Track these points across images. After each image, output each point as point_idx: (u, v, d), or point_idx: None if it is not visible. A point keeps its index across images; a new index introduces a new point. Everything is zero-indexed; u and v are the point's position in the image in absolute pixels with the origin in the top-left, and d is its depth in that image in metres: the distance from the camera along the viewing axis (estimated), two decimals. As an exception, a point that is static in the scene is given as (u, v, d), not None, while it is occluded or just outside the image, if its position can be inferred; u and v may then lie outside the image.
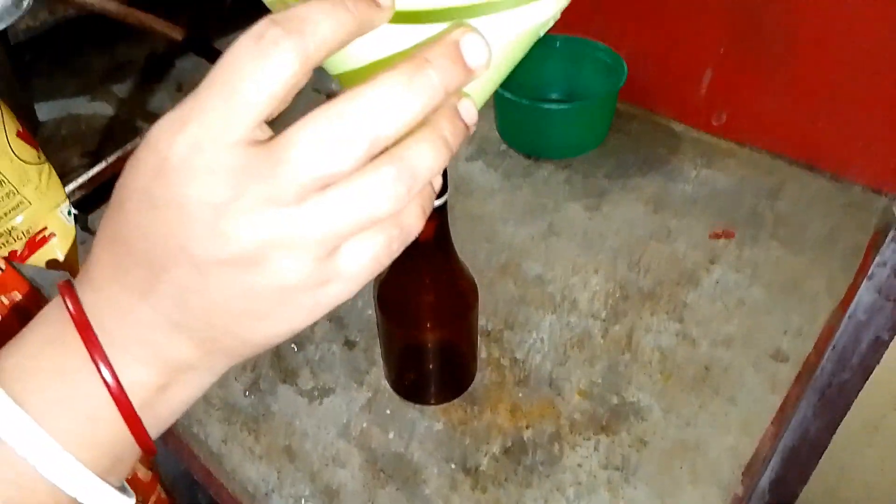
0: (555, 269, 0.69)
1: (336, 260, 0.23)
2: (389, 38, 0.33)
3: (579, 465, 0.54)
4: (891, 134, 0.70)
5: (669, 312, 0.64)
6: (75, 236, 0.59)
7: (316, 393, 0.59)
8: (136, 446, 0.27)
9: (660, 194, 0.76)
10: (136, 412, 0.26)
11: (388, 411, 0.58)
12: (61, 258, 0.58)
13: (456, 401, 0.58)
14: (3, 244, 0.56)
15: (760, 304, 0.65)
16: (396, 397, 0.59)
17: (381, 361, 0.61)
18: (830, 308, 0.64)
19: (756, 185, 0.76)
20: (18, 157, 0.53)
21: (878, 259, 0.75)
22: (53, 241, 0.57)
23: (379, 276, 0.55)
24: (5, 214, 0.54)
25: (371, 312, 0.65)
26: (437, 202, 0.47)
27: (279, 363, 0.61)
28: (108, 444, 0.26)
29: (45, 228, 0.56)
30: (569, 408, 0.57)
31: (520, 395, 0.58)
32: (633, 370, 0.60)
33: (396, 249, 0.24)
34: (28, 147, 0.55)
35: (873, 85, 0.69)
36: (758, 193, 0.76)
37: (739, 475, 0.53)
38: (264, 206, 0.21)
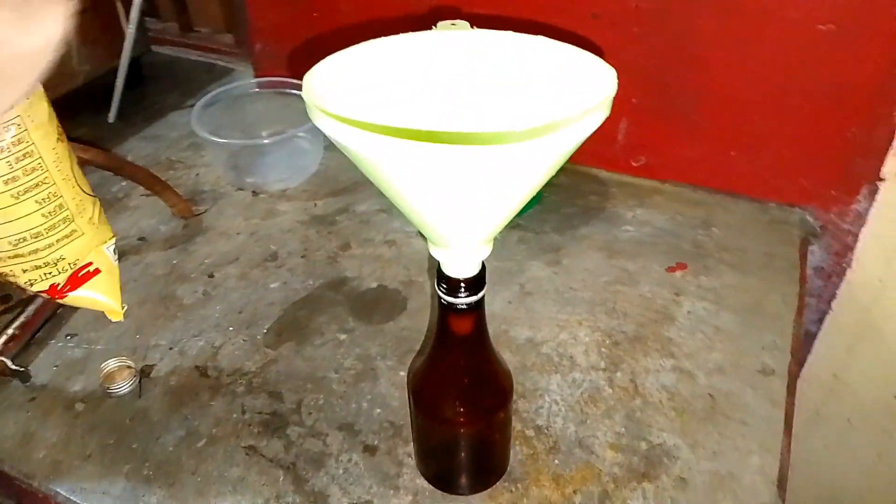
0: (542, 329, 0.70)
1: None
2: (462, 161, 0.33)
3: (636, 519, 0.55)
4: (795, 157, 0.79)
5: (660, 350, 0.68)
6: (118, 275, 0.55)
7: (354, 509, 0.56)
8: None
9: (608, 240, 0.81)
10: None
11: (435, 510, 0.56)
12: (103, 298, 0.54)
13: (498, 483, 0.58)
14: (46, 276, 0.50)
15: (733, 327, 0.70)
16: (438, 493, 0.57)
17: (408, 461, 0.59)
18: (791, 318, 0.71)
19: (689, 217, 0.83)
20: (79, 186, 0.50)
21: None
22: (98, 277, 0.53)
23: (413, 371, 0.54)
24: (57, 242, 0.49)
25: (380, 411, 0.63)
26: (476, 297, 0.47)
27: (303, 487, 0.58)
28: None
29: (90, 264, 0.52)
30: (606, 464, 0.59)
31: (556, 462, 0.59)
32: (649, 413, 0.62)
33: None
34: (84, 178, 0.51)
35: (775, 118, 0.78)
36: (693, 225, 0.82)
37: (776, 491, 0.57)
38: None
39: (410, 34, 0.46)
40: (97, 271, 0.53)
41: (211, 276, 0.78)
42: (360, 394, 0.65)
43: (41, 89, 0.47)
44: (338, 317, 0.73)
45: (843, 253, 0.83)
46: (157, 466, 0.59)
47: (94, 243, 0.52)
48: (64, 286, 0.52)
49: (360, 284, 0.77)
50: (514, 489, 0.57)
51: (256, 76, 1.06)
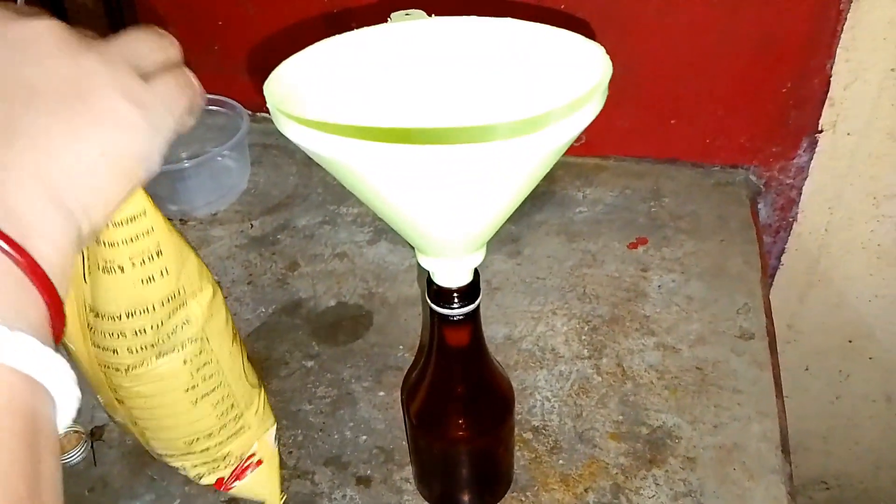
0: (518, 325, 0.68)
1: (151, 83, 0.28)
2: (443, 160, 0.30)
3: (653, 507, 0.53)
4: (733, 117, 0.80)
5: (639, 329, 0.67)
6: (278, 463, 0.55)
7: (360, 549, 0.52)
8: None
9: (564, 223, 0.79)
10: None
11: (446, 535, 0.53)
12: (263, 488, 0.54)
13: (506, 495, 0.55)
14: (214, 469, 0.51)
15: (704, 294, 0.70)
16: (446, 516, 0.54)
17: (407, 487, 0.55)
18: (757, 278, 0.71)
19: (637, 190, 0.82)
20: (248, 381, 0.51)
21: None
22: (260, 468, 0.53)
23: (409, 389, 0.50)
24: (227, 439, 0.50)
25: (366, 437, 0.59)
26: (471, 307, 0.44)
27: (298, 534, 0.53)
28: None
29: (253, 455, 0.52)
30: (611, 456, 0.57)
31: (560, 462, 0.57)
32: (642, 395, 0.61)
33: (194, 85, 0.32)
34: (253, 370, 0.53)
35: (709, 80, 0.78)
36: (643, 198, 0.81)
37: (781, 455, 0.56)
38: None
39: (367, 29, 0.41)
40: (259, 462, 0.53)
41: (150, 318, 0.71)
42: (341, 422, 0.61)
43: (221, 297, 0.48)
44: (300, 343, 0.68)
45: (788, 207, 0.84)
46: (130, 540, 0.53)
47: (258, 434, 0.53)
48: (229, 479, 0.52)
49: (318, 304, 0.72)
50: (523, 498, 0.54)
51: (161, 95, 0.98)
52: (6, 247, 0.23)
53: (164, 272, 0.43)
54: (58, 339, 0.25)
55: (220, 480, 0.51)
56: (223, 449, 0.50)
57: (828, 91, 0.75)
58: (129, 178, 0.28)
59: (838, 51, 0.73)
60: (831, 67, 0.74)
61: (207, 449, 0.49)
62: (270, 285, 0.74)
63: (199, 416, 0.48)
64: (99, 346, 0.45)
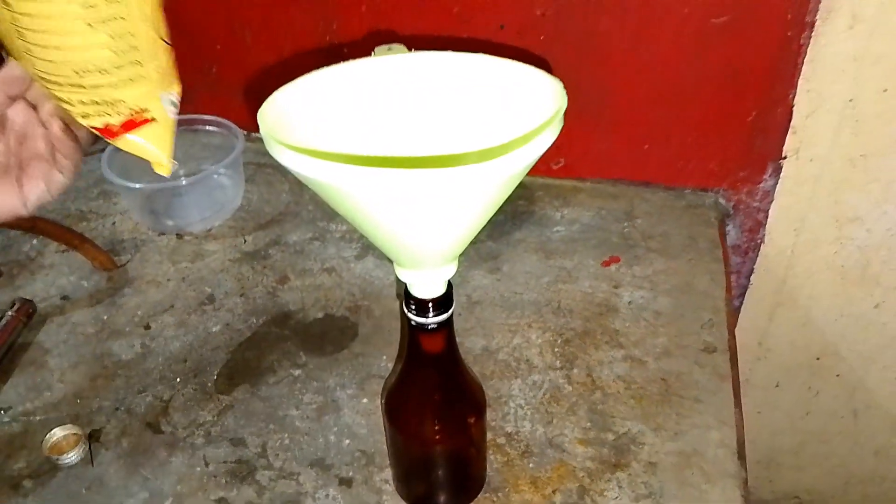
0: (495, 337, 0.72)
1: None
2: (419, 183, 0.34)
3: (616, 508, 0.57)
4: (702, 143, 0.84)
5: (609, 342, 0.71)
6: (173, 128, 0.53)
7: (340, 544, 0.55)
8: None
9: (542, 241, 0.83)
10: None
11: (422, 532, 0.56)
12: (153, 148, 0.52)
13: (479, 496, 0.58)
14: (101, 114, 0.48)
15: (672, 310, 0.74)
16: (422, 515, 0.57)
17: (386, 488, 0.59)
18: (722, 296, 0.75)
19: (612, 211, 0.87)
20: (156, 31, 0.48)
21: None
22: (152, 125, 0.51)
23: (387, 394, 0.53)
24: (121, 82, 0.47)
25: (349, 441, 0.63)
26: (445, 316, 0.48)
27: (282, 530, 0.56)
28: None
29: (146, 111, 0.50)
30: (578, 460, 0.60)
31: (531, 465, 0.60)
32: (610, 404, 0.65)
33: None
34: (166, 28, 0.49)
35: (680, 108, 0.82)
36: (617, 218, 0.86)
37: (738, 461, 0.60)
38: None
39: (352, 62, 0.46)
40: (153, 119, 0.50)
41: (147, 327, 0.75)
42: (326, 427, 0.64)
43: None
44: (288, 352, 0.71)
45: (755, 229, 0.88)
46: (124, 535, 0.56)
47: (156, 91, 0.50)
48: (118, 128, 0.50)
49: (306, 316, 0.75)
50: (495, 498, 0.58)
51: (160, 115, 1.02)
52: None
53: None
54: None
55: (107, 127, 0.50)
56: (115, 93, 0.48)
57: (790, 120, 0.79)
58: None
59: (799, 82, 0.77)
60: (793, 97, 0.78)
61: (98, 87, 0.47)
62: (261, 297, 0.78)
63: (94, 42, 0.45)
64: None
